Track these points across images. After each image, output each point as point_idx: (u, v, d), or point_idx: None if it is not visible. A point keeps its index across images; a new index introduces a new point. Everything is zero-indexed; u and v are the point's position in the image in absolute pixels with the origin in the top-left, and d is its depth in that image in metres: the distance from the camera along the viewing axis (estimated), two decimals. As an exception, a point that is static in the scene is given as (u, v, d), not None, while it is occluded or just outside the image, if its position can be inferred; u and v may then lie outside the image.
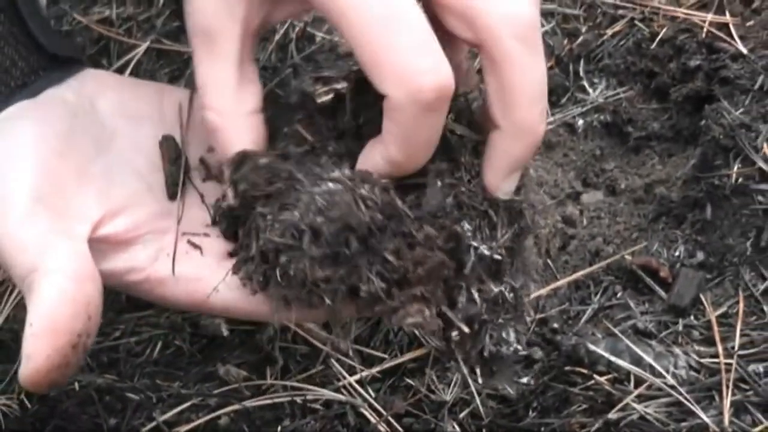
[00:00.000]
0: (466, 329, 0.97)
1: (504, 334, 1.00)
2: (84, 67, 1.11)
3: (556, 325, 1.47)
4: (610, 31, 1.68)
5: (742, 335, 1.43)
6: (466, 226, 0.97)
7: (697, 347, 1.43)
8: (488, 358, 1.00)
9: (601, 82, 1.67)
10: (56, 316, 0.89)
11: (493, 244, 0.97)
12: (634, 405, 1.37)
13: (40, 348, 0.87)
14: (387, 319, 0.97)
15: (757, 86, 1.54)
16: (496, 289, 0.98)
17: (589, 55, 1.67)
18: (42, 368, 0.88)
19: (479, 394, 1.41)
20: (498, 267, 0.98)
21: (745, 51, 1.58)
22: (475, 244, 0.97)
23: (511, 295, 0.99)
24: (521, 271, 1.01)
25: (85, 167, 1.01)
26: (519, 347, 1.01)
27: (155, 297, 1.03)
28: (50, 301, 0.89)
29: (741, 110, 1.52)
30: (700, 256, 1.51)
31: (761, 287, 1.45)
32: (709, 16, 1.64)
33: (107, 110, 1.08)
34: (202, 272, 1.02)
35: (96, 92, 1.09)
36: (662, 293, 1.48)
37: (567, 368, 1.43)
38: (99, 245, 0.99)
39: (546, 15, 1.69)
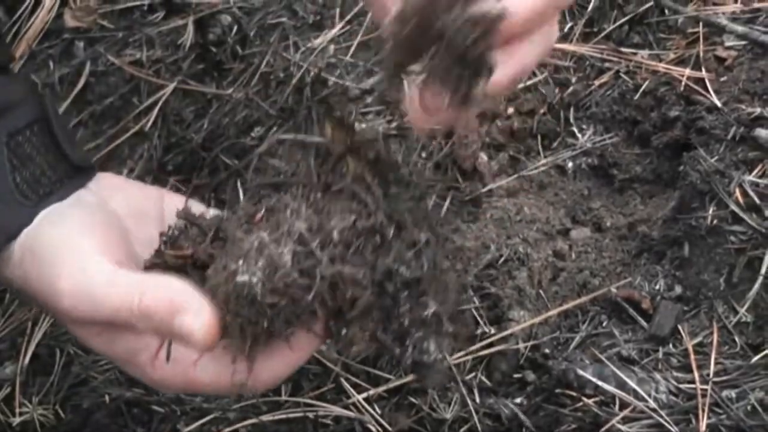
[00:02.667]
0: (397, 351, 1.01)
1: (425, 345, 1.03)
2: (96, 172, 1.13)
3: (547, 351, 1.48)
4: (597, 82, 1.70)
5: (716, 363, 1.45)
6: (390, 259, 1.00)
7: (675, 374, 1.44)
8: (413, 366, 1.03)
9: (589, 128, 1.69)
10: None
11: (414, 266, 1.01)
12: (619, 426, 1.38)
13: None
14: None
15: (730, 136, 1.56)
16: (424, 314, 1.01)
17: (579, 103, 1.70)
18: None
19: (477, 413, 1.43)
20: (420, 289, 1.01)
21: (719, 104, 1.60)
22: (400, 270, 1.00)
23: (434, 313, 1.03)
24: (441, 291, 1.04)
25: (121, 252, 1.04)
26: (440, 356, 1.03)
27: (155, 378, 1.04)
28: None
29: (716, 158, 1.54)
30: (678, 289, 1.52)
31: (733, 320, 1.47)
32: (687, 71, 1.66)
33: (119, 209, 1.10)
34: (192, 355, 1.03)
35: (110, 194, 1.11)
36: (644, 323, 1.50)
37: (557, 391, 1.45)
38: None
39: (539, 66, 1.71)
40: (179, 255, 1.07)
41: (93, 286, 0.98)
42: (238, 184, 1.65)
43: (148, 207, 1.15)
